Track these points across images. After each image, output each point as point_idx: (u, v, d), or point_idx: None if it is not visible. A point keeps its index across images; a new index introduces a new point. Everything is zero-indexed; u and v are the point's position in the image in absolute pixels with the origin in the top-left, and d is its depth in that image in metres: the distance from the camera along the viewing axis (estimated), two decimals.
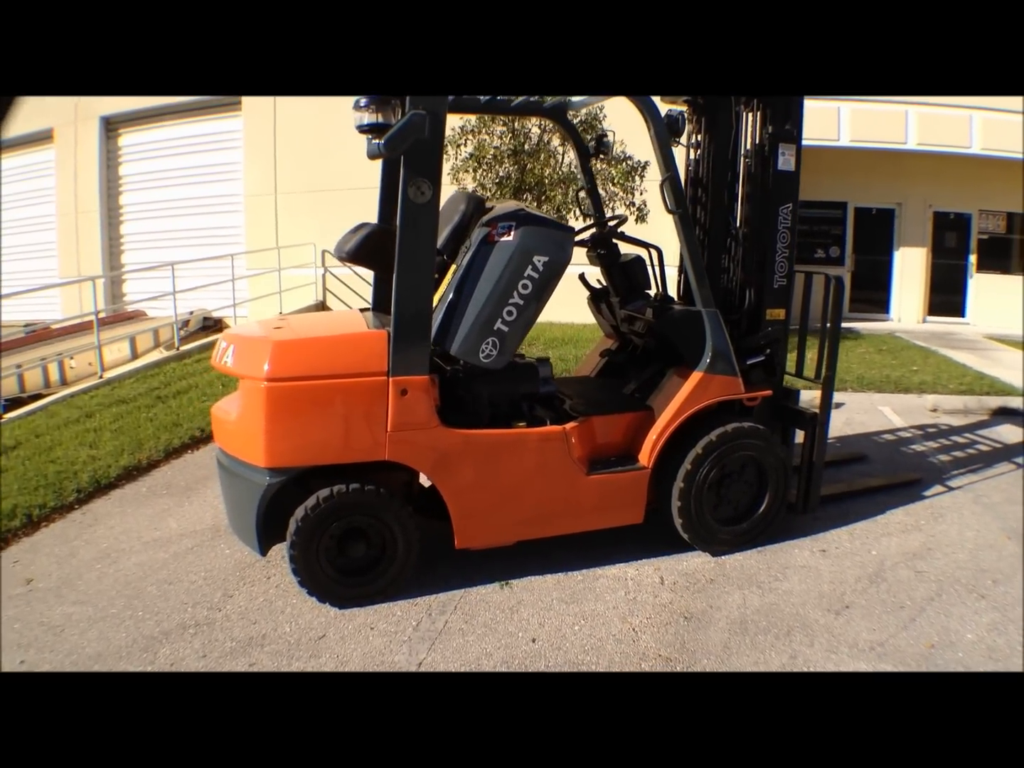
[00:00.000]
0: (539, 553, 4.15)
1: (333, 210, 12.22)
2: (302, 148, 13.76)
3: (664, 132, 3.88)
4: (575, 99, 4.80)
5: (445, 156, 9.29)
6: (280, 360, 3.44)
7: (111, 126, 15.65)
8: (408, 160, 3.34)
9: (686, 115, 4.32)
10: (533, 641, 3.43)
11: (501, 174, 9.29)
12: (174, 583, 3.99)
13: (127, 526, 4.78)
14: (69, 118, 15.28)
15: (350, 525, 3.60)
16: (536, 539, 4.06)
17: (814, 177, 13.60)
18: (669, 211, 3.96)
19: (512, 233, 3.67)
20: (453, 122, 9.29)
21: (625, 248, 4.73)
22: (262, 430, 3.42)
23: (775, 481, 4.29)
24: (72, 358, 10.74)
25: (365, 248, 3.90)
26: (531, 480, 3.86)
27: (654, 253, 4.55)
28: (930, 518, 4.79)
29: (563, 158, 9.43)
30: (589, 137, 5.60)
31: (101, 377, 9.11)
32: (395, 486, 3.77)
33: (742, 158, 4.49)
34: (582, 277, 4.89)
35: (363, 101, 3.47)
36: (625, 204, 9.33)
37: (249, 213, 14.48)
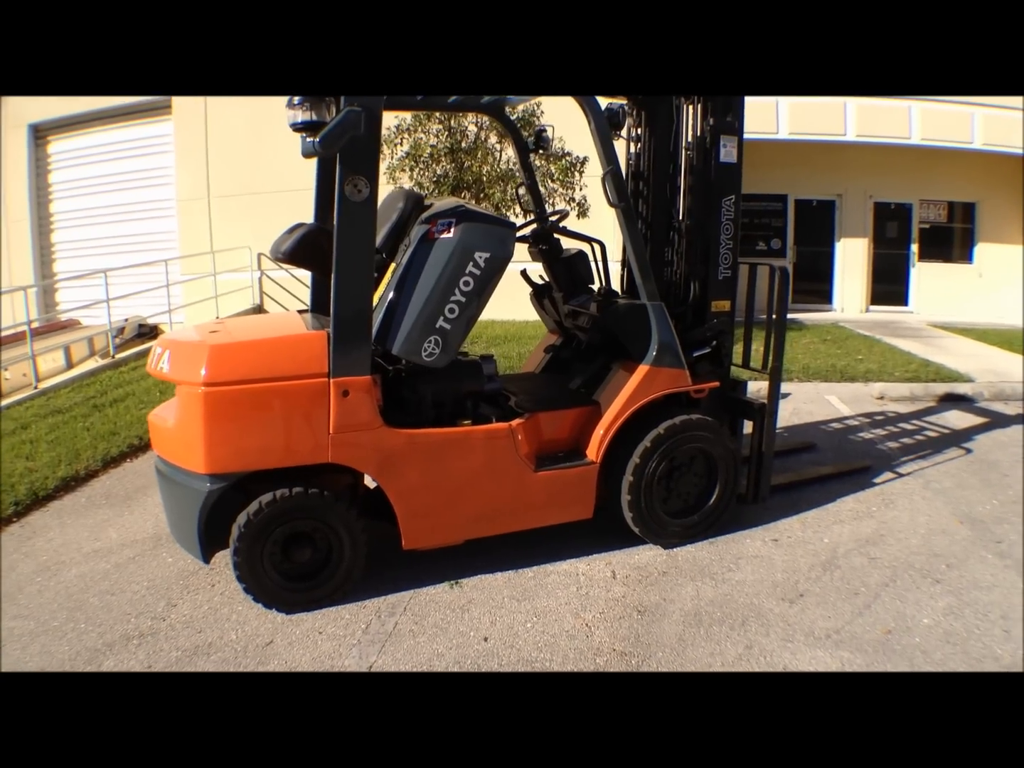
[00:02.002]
0: (489, 551, 4.09)
1: (268, 213, 12.00)
2: (234, 151, 13.51)
3: (605, 126, 3.85)
4: (513, 96, 4.72)
5: (381, 156, 9.19)
6: (217, 364, 3.36)
7: (39, 133, 15.30)
8: (344, 158, 3.27)
9: (627, 108, 4.31)
10: (485, 640, 3.37)
11: (439, 172, 9.20)
12: (116, 594, 3.89)
13: (67, 538, 4.66)
14: None
15: (295, 530, 3.53)
16: (486, 537, 4.01)
17: (754, 170, 13.66)
18: (611, 205, 3.92)
19: (452, 230, 3.62)
20: (388, 121, 9.17)
21: (569, 243, 4.67)
22: (201, 436, 3.34)
23: (725, 472, 4.28)
24: (7, 369, 10.37)
25: (301, 248, 3.80)
26: (478, 478, 3.81)
27: (597, 247, 4.50)
28: (881, 505, 4.82)
29: (501, 155, 9.37)
30: (527, 133, 5.54)
31: (36, 387, 8.88)
32: (340, 488, 3.69)
33: (683, 151, 4.45)
34: (524, 273, 4.82)
35: (296, 99, 3.38)
36: (565, 200, 9.31)
37: (182, 218, 14.22)
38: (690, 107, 4.40)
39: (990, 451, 5.87)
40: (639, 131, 4.57)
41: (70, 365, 11.09)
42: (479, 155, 9.26)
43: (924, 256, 14.57)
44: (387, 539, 3.81)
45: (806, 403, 7.46)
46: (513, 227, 3.83)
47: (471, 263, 3.61)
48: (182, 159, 14.15)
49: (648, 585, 3.84)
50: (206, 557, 3.56)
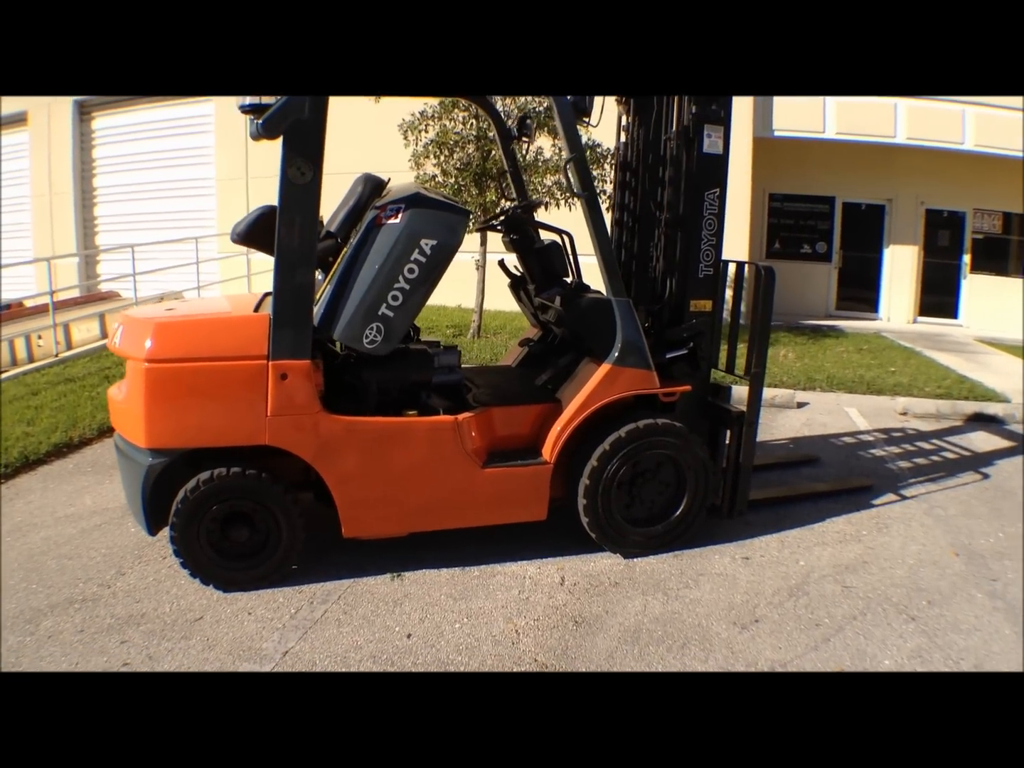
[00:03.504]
0: (441, 545, 3.99)
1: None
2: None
3: (568, 112, 3.68)
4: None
5: (405, 142, 9.12)
6: (160, 341, 3.39)
7: (84, 109, 15.70)
8: (288, 140, 3.27)
9: (617, 98, 4.16)
10: (408, 637, 3.27)
11: (464, 160, 9.04)
12: (74, 558, 3.97)
13: (45, 501, 4.78)
14: (43, 100, 15.33)
15: (233, 509, 3.53)
16: (440, 531, 3.91)
17: (800, 170, 13.42)
18: (575, 195, 3.76)
19: (400, 215, 3.54)
20: (413, 107, 9.12)
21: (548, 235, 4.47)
22: (142, 411, 3.38)
23: (694, 482, 4.03)
24: (40, 336, 10.64)
25: (255, 229, 3.78)
26: (420, 471, 3.69)
27: (566, 239, 4.29)
28: (873, 528, 4.49)
29: (528, 145, 9.15)
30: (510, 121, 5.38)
31: (57, 356, 9.14)
32: (289, 472, 3.64)
33: (665, 140, 4.21)
34: (501, 263, 4.64)
35: None
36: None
37: (220, 196, 14.45)
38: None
39: (1009, 478, 5.44)
40: (627, 120, 4.38)
41: (105, 335, 11.35)
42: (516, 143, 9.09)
43: (976, 268, 13.82)
44: (338, 525, 3.72)
45: (822, 414, 7.11)
46: (465, 214, 3.69)
47: (417, 250, 3.51)
48: (222, 139, 14.38)
49: (594, 595, 3.63)
50: (152, 530, 3.58)
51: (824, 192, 13.72)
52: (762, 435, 6.24)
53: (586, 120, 3.73)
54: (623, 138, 4.46)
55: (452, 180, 9.02)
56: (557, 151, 9.20)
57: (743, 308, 5.47)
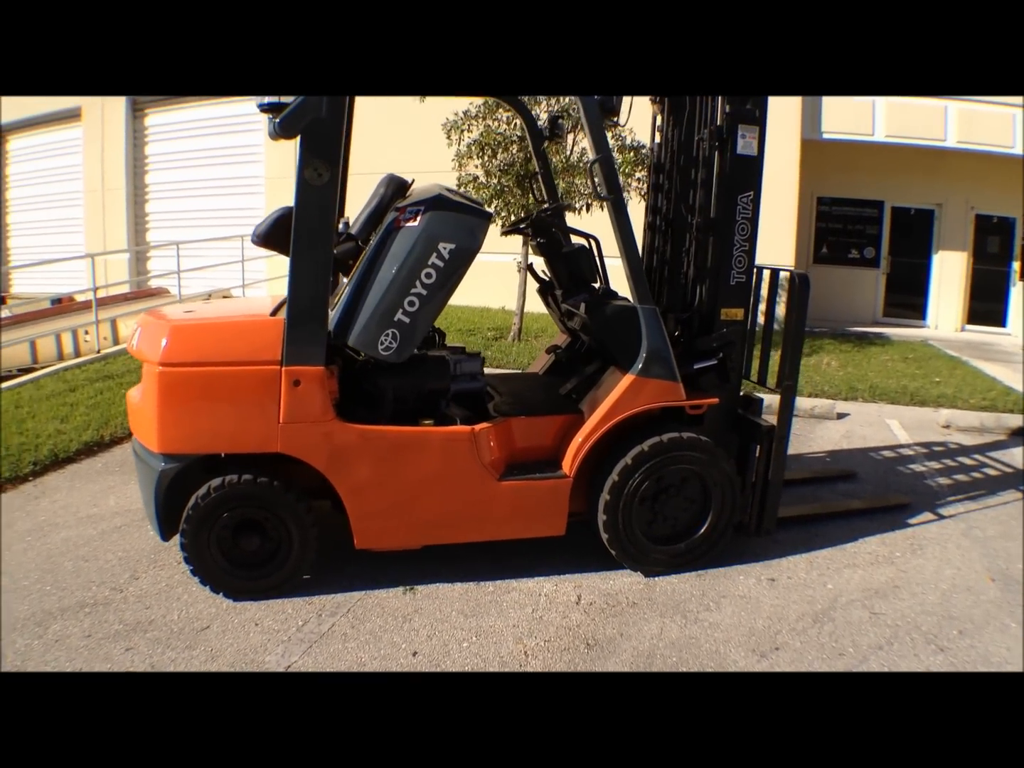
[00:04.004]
0: (457, 558, 3.90)
1: (353, 193, 11.98)
2: None
3: (595, 111, 3.55)
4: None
5: (449, 142, 9.05)
6: (175, 345, 3.35)
7: (137, 106, 15.92)
8: (306, 141, 3.21)
9: (651, 97, 4.05)
10: (414, 655, 3.18)
11: (507, 161, 8.93)
12: (90, 560, 3.95)
13: (69, 501, 4.76)
14: (96, 97, 15.50)
15: (244, 517, 3.48)
16: (455, 544, 3.83)
17: (848, 173, 13.09)
18: (601, 197, 3.63)
19: (419, 218, 3.45)
20: (456, 107, 9.03)
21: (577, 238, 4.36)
22: (155, 415, 3.34)
23: (720, 499, 3.88)
24: (87, 332, 10.81)
25: (275, 231, 3.71)
26: (434, 483, 3.61)
27: (593, 244, 4.16)
28: (908, 550, 4.29)
29: (573, 146, 9.03)
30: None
31: (99, 352, 9.27)
32: (306, 480, 3.57)
33: (698, 141, 4.06)
34: (530, 268, 4.53)
35: None
36: (640, 193, 8.90)
37: (270, 194, 14.50)
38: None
39: None
40: (661, 120, 4.25)
41: None
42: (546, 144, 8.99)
43: None
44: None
45: (862, 426, 6.87)
46: (486, 217, 3.58)
47: (435, 254, 3.42)
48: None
49: (610, 616, 3.51)
50: (164, 535, 3.54)
51: (873, 196, 13.34)
52: (799, 447, 6.10)
53: (614, 120, 3.61)
54: (657, 139, 4.34)
55: (495, 181, 8.93)
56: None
57: (778, 317, 5.30)
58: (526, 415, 3.85)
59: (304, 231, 3.28)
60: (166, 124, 15.78)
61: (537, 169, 4.62)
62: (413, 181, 4.02)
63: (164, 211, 16.07)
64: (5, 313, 12.31)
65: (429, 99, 8.10)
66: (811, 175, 12.03)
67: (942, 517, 4.78)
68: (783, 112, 10.94)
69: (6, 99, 15.52)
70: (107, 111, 15.72)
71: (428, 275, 3.43)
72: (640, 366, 3.69)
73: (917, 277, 13.61)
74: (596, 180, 3.58)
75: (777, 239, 11.54)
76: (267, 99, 3.28)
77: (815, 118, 11.79)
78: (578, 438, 3.72)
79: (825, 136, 11.92)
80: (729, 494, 3.89)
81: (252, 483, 3.41)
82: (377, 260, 3.49)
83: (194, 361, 3.32)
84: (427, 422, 3.61)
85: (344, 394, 3.59)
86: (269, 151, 14.46)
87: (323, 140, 3.23)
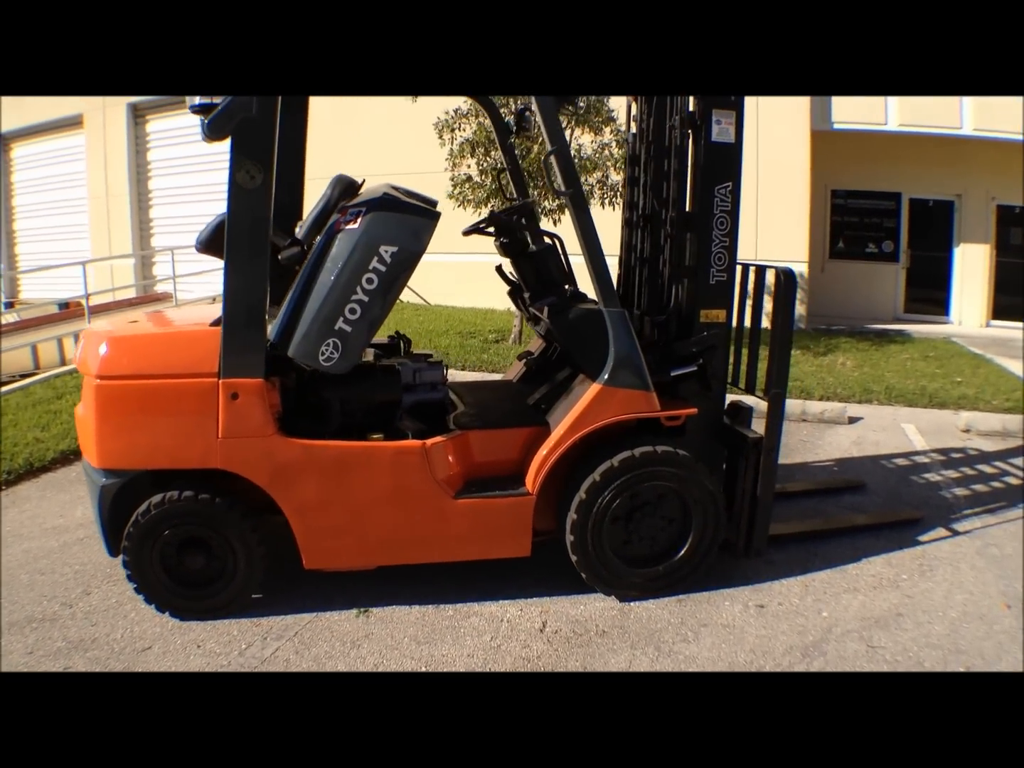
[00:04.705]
0: (419, 579, 3.70)
1: None
2: (325, 135, 13.50)
3: (547, 101, 3.29)
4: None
5: (441, 142, 8.79)
6: (112, 357, 3.26)
7: (138, 112, 15.98)
8: (236, 142, 3.07)
9: None
10: None
11: (501, 159, 8.66)
12: (47, 574, 3.91)
13: (38, 511, 4.74)
14: (97, 104, 15.63)
15: (188, 535, 3.35)
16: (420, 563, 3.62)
17: (862, 165, 12.65)
18: (559, 193, 3.36)
19: (359, 220, 3.23)
20: (448, 105, 8.80)
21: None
22: (94, 429, 3.27)
23: (701, 517, 3.56)
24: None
25: (219, 237, 3.46)
26: (384, 500, 3.40)
27: (557, 243, 3.87)
28: (916, 572, 3.91)
29: (570, 143, 8.73)
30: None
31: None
32: (258, 495, 3.38)
33: (670, 128, 3.75)
34: (499, 269, 4.22)
35: None
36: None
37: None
38: None
39: None
40: (637, 108, 3.96)
41: None
42: (542, 141, 8.72)
43: None
44: None
45: (876, 431, 6.48)
46: (432, 217, 3.33)
47: (376, 258, 3.21)
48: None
49: (575, 646, 3.21)
50: (112, 551, 3.43)
51: (889, 188, 12.87)
52: (805, 455, 5.75)
53: (570, 108, 3.32)
54: (633, 129, 4.07)
55: (489, 180, 8.65)
56: (598, 147, 8.76)
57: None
58: (486, 428, 3.59)
59: (238, 236, 3.12)
60: (167, 130, 15.80)
61: (505, 164, 4.37)
62: (364, 182, 3.76)
63: (168, 216, 16.12)
64: (14, 317, 12.38)
65: (421, 99, 7.84)
66: (824, 167, 11.63)
67: (956, 533, 4.39)
68: (790, 102, 10.56)
69: (8, 108, 15.57)
70: (108, 118, 15.80)
71: (369, 280, 3.22)
72: (607, 375, 3.40)
73: (939, 271, 13.09)
74: (552, 174, 3.29)
75: (790, 234, 11.16)
76: (198, 99, 3.10)
77: (824, 108, 11.39)
78: (542, 452, 3.44)
79: (836, 126, 11.51)
80: (712, 512, 3.57)
81: (193, 500, 3.28)
82: (318, 265, 3.29)
83: (131, 374, 3.22)
84: (376, 436, 3.37)
85: (290, 407, 3.39)
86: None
87: (255, 141, 3.07)
